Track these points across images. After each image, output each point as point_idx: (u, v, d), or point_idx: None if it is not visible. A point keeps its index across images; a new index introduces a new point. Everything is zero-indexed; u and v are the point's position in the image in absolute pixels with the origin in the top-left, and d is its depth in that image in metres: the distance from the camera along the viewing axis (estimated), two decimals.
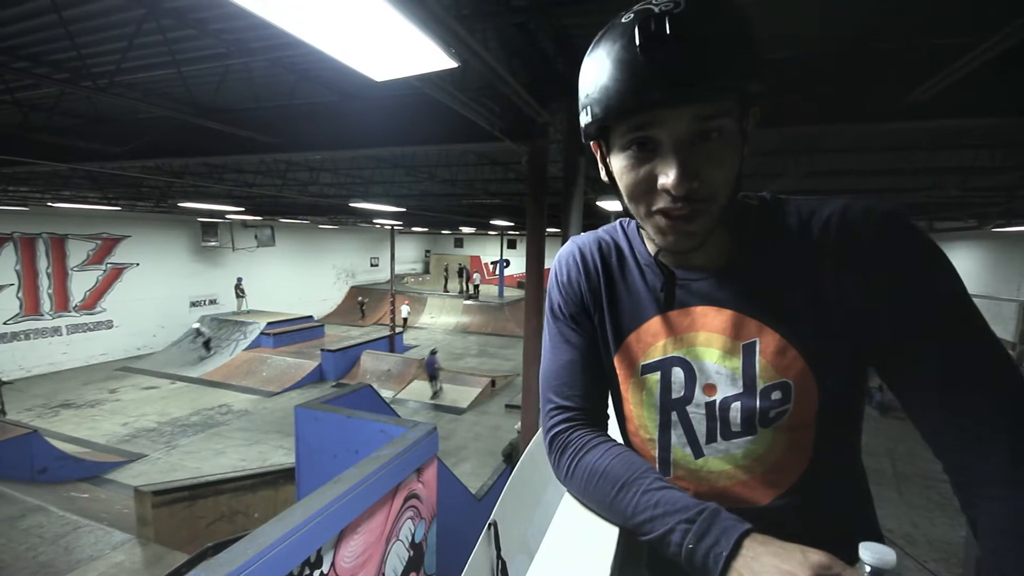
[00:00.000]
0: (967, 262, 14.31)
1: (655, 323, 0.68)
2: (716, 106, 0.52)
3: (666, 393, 0.68)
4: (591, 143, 0.65)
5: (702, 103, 0.52)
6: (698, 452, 0.67)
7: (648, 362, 0.69)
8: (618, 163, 0.59)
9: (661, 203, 0.56)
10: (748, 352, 0.62)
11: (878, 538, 0.72)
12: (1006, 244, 14.29)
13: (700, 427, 0.66)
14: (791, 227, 0.62)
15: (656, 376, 0.69)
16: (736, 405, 0.63)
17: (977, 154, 5.67)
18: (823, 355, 0.60)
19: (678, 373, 0.67)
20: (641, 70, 0.51)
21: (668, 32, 0.49)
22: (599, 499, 0.65)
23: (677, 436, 0.68)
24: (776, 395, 0.61)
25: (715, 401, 0.65)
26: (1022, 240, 13.85)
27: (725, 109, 0.53)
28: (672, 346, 0.67)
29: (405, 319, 20.07)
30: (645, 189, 0.57)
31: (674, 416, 0.68)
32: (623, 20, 0.53)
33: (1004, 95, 3.15)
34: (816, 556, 0.45)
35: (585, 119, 0.59)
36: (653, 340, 0.69)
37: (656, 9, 0.50)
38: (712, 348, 0.65)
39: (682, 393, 0.67)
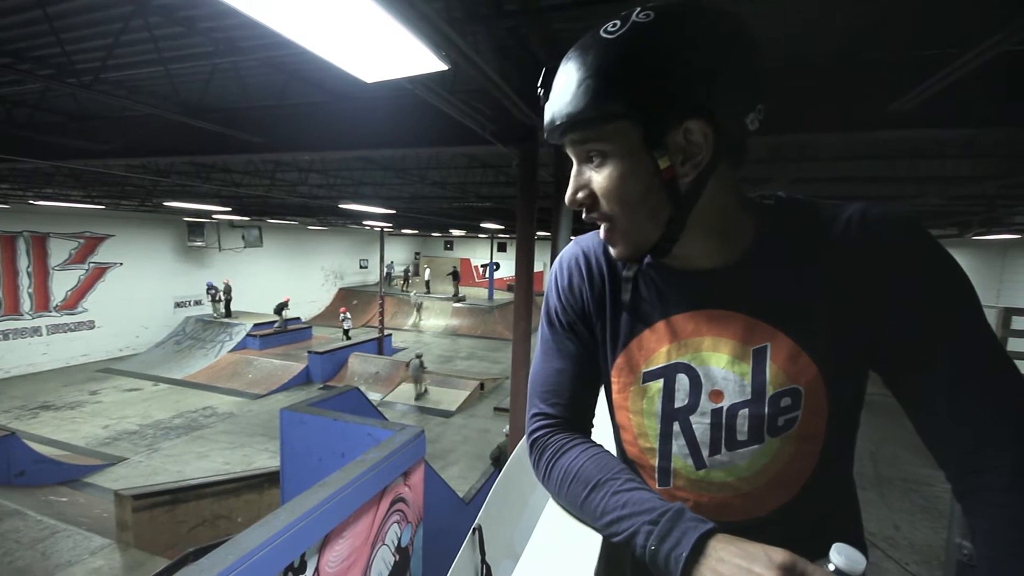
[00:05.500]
0: None
1: (658, 328, 0.66)
2: (584, 134, 0.57)
3: (668, 401, 0.66)
4: None
5: (569, 133, 0.58)
6: (700, 463, 0.65)
7: (650, 369, 0.67)
8: None
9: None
10: (759, 357, 0.61)
11: (861, 541, 0.72)
12: (986, 252, 14.66)
13: (704, 437, 0.64)
14: (806, 228, 0.60)
15: (659, 384, 0.67)
16: (744, 412, 0.62)
17: (958, 164, 5.79)
18: (835, 361, 0.59)
19: (683, 380, 0.65)
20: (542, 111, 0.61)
21: (541, 83, 0.60)
22: (572, 500, 0.64)
23: (679, 446, 0.66)
24: (786, 401, 0.60)
25: (722, 408, 0.63)
26: (1002, 248, 14.20)
27: (601, 135, 0.56)
28: (676, 352, 0.65)
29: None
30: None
31: (676, 426, 0.66)
32: None
33: (984, 106, 3.22)
34: (780, 555, 0.45)
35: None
36: (656, 346, 0.67)
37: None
38: (720, 353, 0.63)
39: (686, 401, 0.65)
